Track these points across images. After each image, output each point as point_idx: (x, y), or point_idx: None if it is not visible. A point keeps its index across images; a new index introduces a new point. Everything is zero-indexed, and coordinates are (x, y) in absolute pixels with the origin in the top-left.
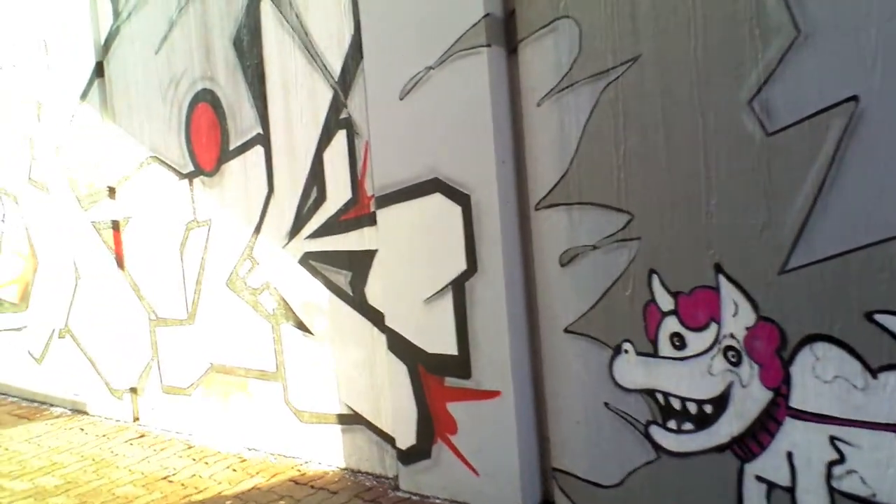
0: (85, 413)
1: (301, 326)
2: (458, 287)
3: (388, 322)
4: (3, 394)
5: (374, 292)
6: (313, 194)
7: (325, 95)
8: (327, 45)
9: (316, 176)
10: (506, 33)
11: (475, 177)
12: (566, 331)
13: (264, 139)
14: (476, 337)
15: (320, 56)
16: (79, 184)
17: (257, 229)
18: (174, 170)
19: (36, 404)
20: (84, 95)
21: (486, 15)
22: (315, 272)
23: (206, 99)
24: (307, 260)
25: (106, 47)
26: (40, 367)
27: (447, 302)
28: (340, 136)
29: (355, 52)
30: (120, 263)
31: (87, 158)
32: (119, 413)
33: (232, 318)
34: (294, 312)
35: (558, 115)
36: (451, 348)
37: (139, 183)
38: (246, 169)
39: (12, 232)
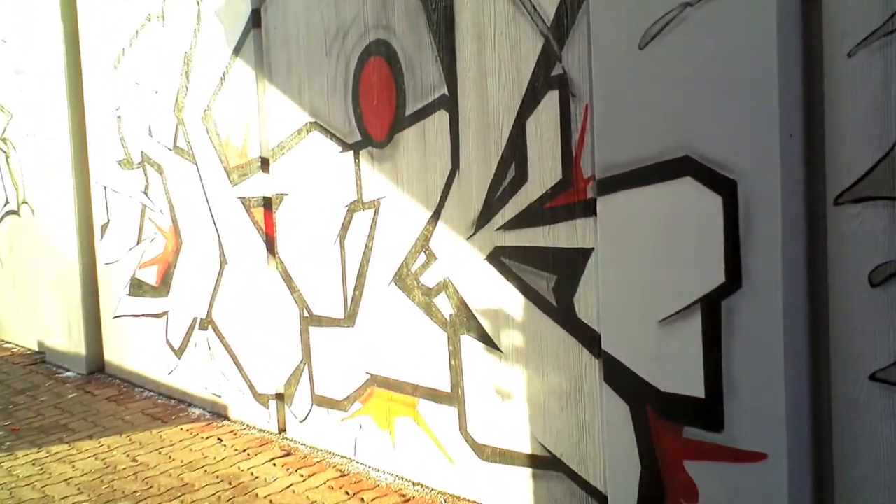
0: (226, 418)
1: (485, 339)
2: (712, 306)
3: (606, 345)
4: (140, 386)
5: (587, 304)
6: (510, 173)
7: (533, 46)
8: None
9: (515, 150)
10: None
11: (746, 156)
12: (874, 378)
13: (450, 102)
14: (734, 376)
15: None
16: (228, 154)
17: (436, 215)
18: (338, 139)
19: (173, 402)
20: (237, 49)
21: None
22: (507, 273)
23: (380, 52)
24: (498, 256)
25: None
26: (179, 360)
27: (694, 325)
28: (550, 99)
29: None
30: (271, 248)
31: (239, 124)
32: (263, 421)
33: (399, 322)
34: (477, 321)
35: (881, 70)
36: (695, 388)
37: (296, 154)
38: (425, 139)
39: (155, 206)
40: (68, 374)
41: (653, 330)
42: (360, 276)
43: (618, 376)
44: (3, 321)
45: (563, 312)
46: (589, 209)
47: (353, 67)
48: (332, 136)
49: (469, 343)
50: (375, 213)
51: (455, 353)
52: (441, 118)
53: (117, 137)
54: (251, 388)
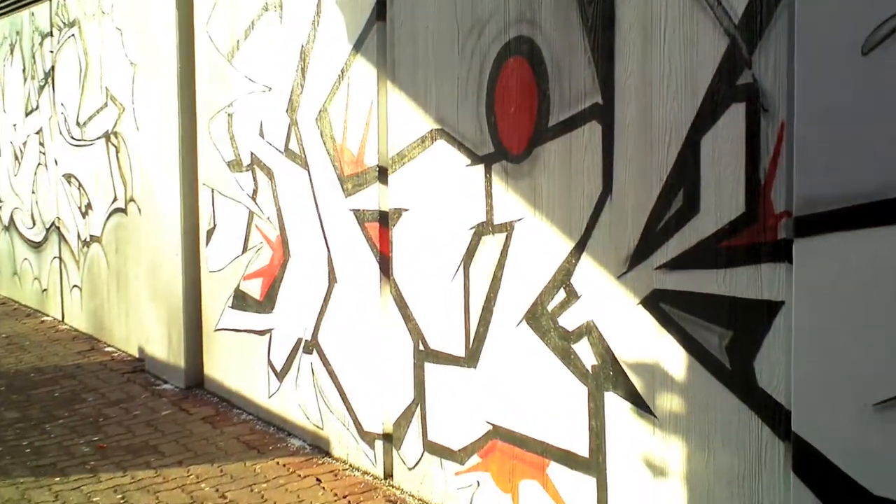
0: (327, 453)
1: (636, 400)
2: None
3: (798, 426)
4: (238, 407)
5: (773, 370)
6: (677, 201)
7: (714, 48)
8: None
9: (685, 173)
10: None
11: None
12: None
13: (604, 113)
14: None
15: None
16: (343, 160)
17: (581, 245)
18: (467, 150)
19: (272, 429)
20: (359, 45)
21: None
22: (668, 322)
23: (521, 51)
24: (656, 301)
25: None
26: (281, 383)
27: None
28: (734, 113)
29: None
30: (385, 269)
31: (356, 128)
32: (368, 463)
33: (529, 367)
34: (626, 377)
35: None
36: None
37: (418, 165)
38: (571, 155)
39: (263, 213)
40: (166, 386)
41: (865, 414)
42: (486, 311)
43: (812, 468)
44: (105, 324)
45: (739, 377)
46: (779, 252)
47: (488, 68)
48: (461, 146)
49: (615, 402)
50: (507, 239)
51: (596, 413)
52: (592, 131)
53: (227, 137)
54: (356, 423)
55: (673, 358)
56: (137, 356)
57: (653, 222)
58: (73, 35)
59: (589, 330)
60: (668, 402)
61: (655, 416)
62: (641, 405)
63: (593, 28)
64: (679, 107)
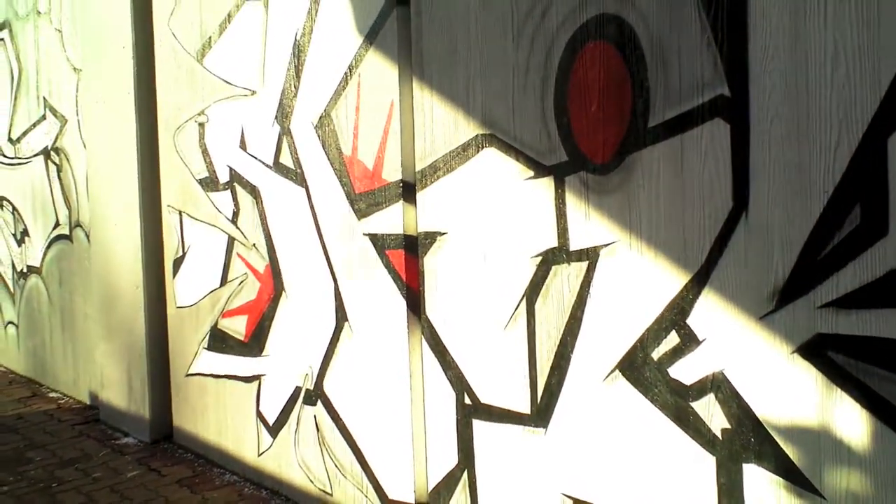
0: None
1: (791, 475)
2: None
3: None
4: (220, 466)
5: None
6: (851, 221)
7: None
8: None
9: (863, 183)
10: None
11: None
12: None
13: (733, 108)
14: None
15: None
16: (354, 175)
17: (701, 276)
18: (527, 159)
19: (265, 493)
20: (372, 36)
21: None
22: (841, 376)
23: (605, 35)
24: (822, 349)
25: None
26: (274, 439)
27: None
28: None
29: None
30: (414, 306)
31: (371, 136)
32: None
33: (626, 429)
34: (776, 445)
35: None
36: None
37: (459, 179)
38: (683, 162)
39: (247, 239)
40: (127, 440)
41: None
42: (561, 357)
43: None
44: (49, 366)
45: None
46: None
47: (556, 57)
48: (519, 154)
49: (759, 476)
50: (589, 269)
51: (731, 489)
52: (715, 132)
53: (199, 151)
54: (378, 488)
55: (850, 422)
56: (89, 403)
57: (813, 247)
58: (1, 39)
59: (716, 384)
60: (844, 480)
61: (823, 497)
62: (801, 482)
63: None
64: (852, 96)
